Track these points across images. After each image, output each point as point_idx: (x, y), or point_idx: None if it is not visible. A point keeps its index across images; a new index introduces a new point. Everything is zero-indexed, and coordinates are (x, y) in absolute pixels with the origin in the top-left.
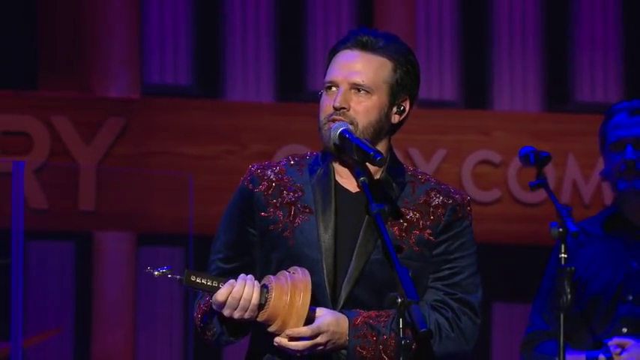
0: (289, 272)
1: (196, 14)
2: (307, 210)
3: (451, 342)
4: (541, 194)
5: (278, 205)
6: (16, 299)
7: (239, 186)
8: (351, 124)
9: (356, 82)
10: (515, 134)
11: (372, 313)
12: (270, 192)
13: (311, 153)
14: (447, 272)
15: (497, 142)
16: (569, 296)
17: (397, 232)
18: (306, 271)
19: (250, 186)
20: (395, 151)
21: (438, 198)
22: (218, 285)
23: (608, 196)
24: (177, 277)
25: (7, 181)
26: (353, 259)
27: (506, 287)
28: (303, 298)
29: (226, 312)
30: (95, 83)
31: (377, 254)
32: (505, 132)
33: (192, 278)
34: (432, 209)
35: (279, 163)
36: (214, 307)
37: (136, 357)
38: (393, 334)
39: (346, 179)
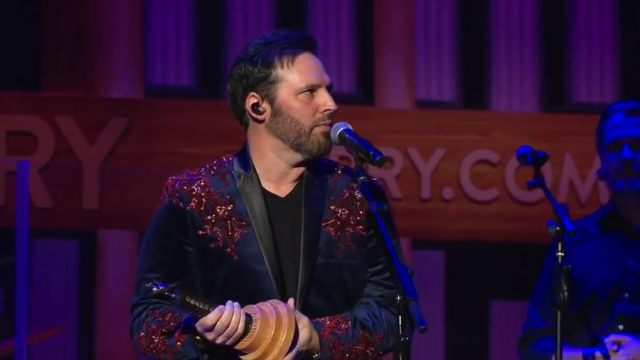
0: (272, 305)
1: (198, 16)
2: (243, 222)
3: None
4: (538, 193)
5: (213, 221)
6: (21, 297)
7: (165, 203)
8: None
9: (330, 84)
10: (512, 134)
11: (331, 321)
12: (202, 209)
13: (227, 158)
14: (381, 266)
15: (495, 141)
16: (565, 294)
17: (333, 233)
18: (290, 307)
19: (181, 204)
20: (394, 150)
21: (359, 191)
22: (209, 309)
23: (604, 196)
24: (173, 295)
25: (12, 181)
26: (300, 267)
27: (504, 285)
28: (287, 335)
29: (211, 336)
30: (98, 84)
31: (320, 258)
32: (503, 132)
33: (187, 299)
34: (358, 203)
35: (199, 173)
36: (199, 328)
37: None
38: (354, 341)
39: (272, 184)
